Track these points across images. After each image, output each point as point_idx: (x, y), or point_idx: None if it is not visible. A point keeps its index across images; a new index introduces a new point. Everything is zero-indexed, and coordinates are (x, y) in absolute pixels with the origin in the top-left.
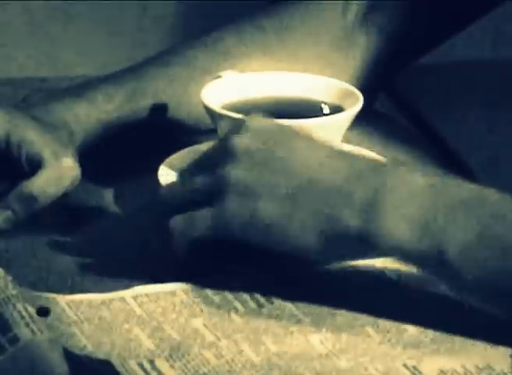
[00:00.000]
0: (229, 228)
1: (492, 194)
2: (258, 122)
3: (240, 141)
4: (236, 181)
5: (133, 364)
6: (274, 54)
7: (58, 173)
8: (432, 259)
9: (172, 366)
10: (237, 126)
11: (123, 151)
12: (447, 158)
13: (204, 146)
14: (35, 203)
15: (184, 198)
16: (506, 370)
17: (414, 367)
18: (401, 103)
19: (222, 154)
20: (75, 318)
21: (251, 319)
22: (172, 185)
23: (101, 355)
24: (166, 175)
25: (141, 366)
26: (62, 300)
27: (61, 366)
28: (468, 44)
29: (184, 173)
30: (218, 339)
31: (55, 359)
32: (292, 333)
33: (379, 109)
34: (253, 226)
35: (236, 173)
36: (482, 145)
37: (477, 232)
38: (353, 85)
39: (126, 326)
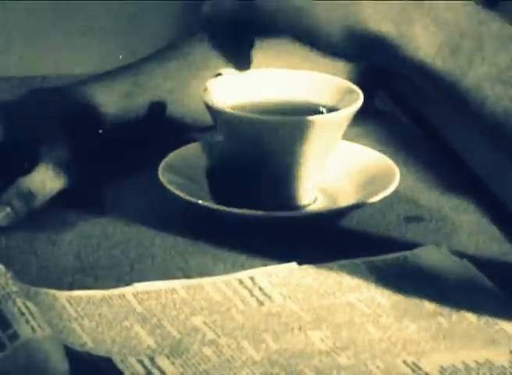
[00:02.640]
0: (258, 10)
1: None
2: None
3: None
4: None
5: (133, 361)
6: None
7: (56, 169)
8: (447, 83)
9: (172, 363)
10: None
11: (123, 149)
12: (447, 156)
13: (204, 144)
14: (34, 200)
15: None
16: (506, 365)
17: (414, 364)
18: (402, 101)
19: None
20: (75, 315)
21: (251, 317)
22: None
23: (101, 352)
24: (166, 173)
25: (141, 362)
26: (63, 297)
27: (61, 362)
28: None
29: None
30: (219, 336)
31: (56, 356)
32: (292, 330)
33: (380, 107)
34: (281, 9)
35: None
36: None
37: (500, 68)
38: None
39: (127, 323)
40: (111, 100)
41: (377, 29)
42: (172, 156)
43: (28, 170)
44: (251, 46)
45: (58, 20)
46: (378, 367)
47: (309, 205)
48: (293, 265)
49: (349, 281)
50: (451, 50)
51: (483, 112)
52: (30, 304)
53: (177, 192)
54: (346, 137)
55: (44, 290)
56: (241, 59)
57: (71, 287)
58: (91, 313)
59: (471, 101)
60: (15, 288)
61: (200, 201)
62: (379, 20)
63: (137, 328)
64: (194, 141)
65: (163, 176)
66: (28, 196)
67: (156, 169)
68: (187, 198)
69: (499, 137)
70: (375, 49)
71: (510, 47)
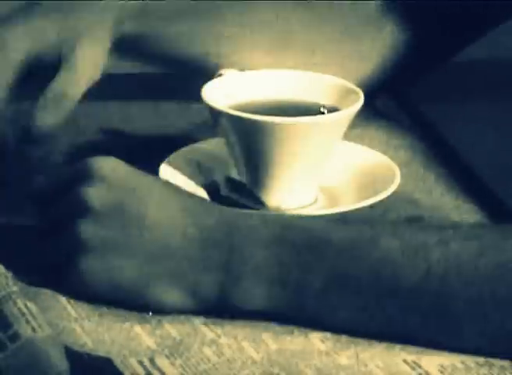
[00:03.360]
0: (87, 287)
1: (337, 231)
2: (108, 167)
3: (89, 193)
4: (88, 239)
5: (133, 361)
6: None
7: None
8: (293, 311)
9: (172, 364)
10: (85, 170)
11: (124, 147)
12: (447, 157)
13: (205, 144)
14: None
15: None
16: (505, 366)
17: (415, 362)
18: (402, 100)
19: (72, 205)
20: (75, 315)
21: (251, 317)
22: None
23: (101, 353)
24: (168, 173)
25: (141, 363)
26: (63, 297)
27: (61, 363)
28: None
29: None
30: (219, 336)
31: (56, 356)
32: (292, 331)
33: (381, 108)
34: (109, 286)
35: (87, 229)
36: (483, 143)
37: (329, 275)
38: (378, 65)
39: (127, 323)
40: None
41: None
42: (173, 156)
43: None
44: None
45: None
46: (378, 366)
47: (310, 205)
48: None
49: None
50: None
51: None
52: (30, 304)
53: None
54: (347, 137)
55: (44, 290)
56: None
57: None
58: (91, 314)
59: None
60: (15, 288)
61: None
62: None
63: (137, 329)
64: (195, 141)
65: (165, 177)
66: (58, 99)
67: (157, 170)
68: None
69: None
70: None
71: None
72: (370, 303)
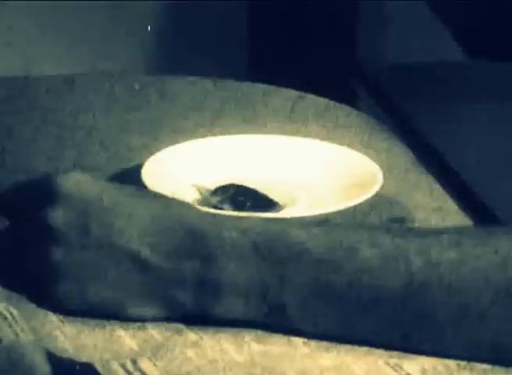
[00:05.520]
0: (63, 310)
1: (316, 239)
2: (71, 184)
3: (54, 217)
4: (58, 265)
5: (115, 365)
6: None
7: None
8: (275, 323)
9: (154, 365)
10: (49, 189)
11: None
12: (430, 159)
13: (188, 145)
14: None
15: None
16: (487, 369)
17: (397, 365)
18: (385, 103)
19: (37, 230)
20: (57, 320)
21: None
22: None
23: (83, 358)
24: (150, 174)
25: (124, 366)
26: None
27: (43, 368)
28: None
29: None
30: (201, 338)
31: (38, 361)
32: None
33: (363, 109)
34: (86, 307)
35: (55, 255)
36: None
37: (308, 286)
38: None
39: (109, 327)
40: None
41: None
42: (155, 157)
43: None
44: None
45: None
46: (360, 368)
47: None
48: None
49: None
50: None
51: None
52: (12, 309)
53: None
54: (329, 138)
55: (26, 296)
56: None
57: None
58: (73, 319)
59: None
60: None
61: None
62: None
63: (120, 332)
64: (178, 142)
65: (147, 177)
66: None
67: (139, 170)
68: None
69: None
70: None
71: None
72: (350, 313)
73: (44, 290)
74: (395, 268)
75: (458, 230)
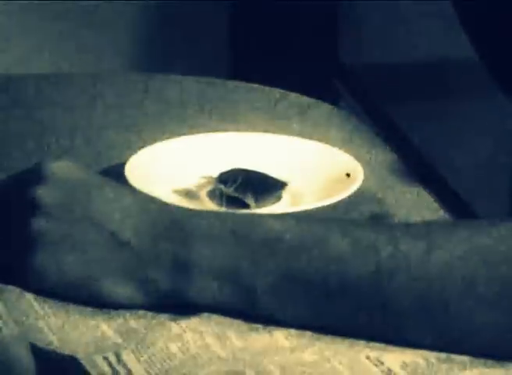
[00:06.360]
0: (38, 282)
1: (290, 229)
2: (60, 169)
3: (39, 192)
4: (38, 235)
5: (98, 358)
6: None
7: None
8: (247, 307)
9: (137, 359)
10: (38, 172)
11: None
12: (409, 156)
13: (172, 142)
14: None
15: None
16: (465, 361)
17: (377, 359)
18: (366, 101)
19: (23, 204)
20: (42, 312)
21: (216, 314)
22: None
23: (67, 351)
24: (133, 171)
25: (107, 359)
26: (29, 294)
27: (27, 360)
28: (436, 44)
29: None
30: (184, 331)
31: (22, 354)
32: (257, 328)
33: (343, 107)
34: (60, 280)
35: (36, 226)
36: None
37: (279, 272)
38: None
39: (93, 322)
40: None
41: None
42: (139, 154)
43: None
44: None
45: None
46: (341, 363)
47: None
48: None
49: None
50: None
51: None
52: None
53: None
54: (310, 136)
55: (10, 287)
56: None
57: None
58: (58, 311)
59: None
60: None
61: None
62: None
63: (104, 326)
64: (162, 139)
65: (130, 174)
66: None
67: (123, 168)
68: None
69: None
70: None
71: None
72: (319, 300)
73: (22, 260)
74: (364, 256)
75: (427, 223)
